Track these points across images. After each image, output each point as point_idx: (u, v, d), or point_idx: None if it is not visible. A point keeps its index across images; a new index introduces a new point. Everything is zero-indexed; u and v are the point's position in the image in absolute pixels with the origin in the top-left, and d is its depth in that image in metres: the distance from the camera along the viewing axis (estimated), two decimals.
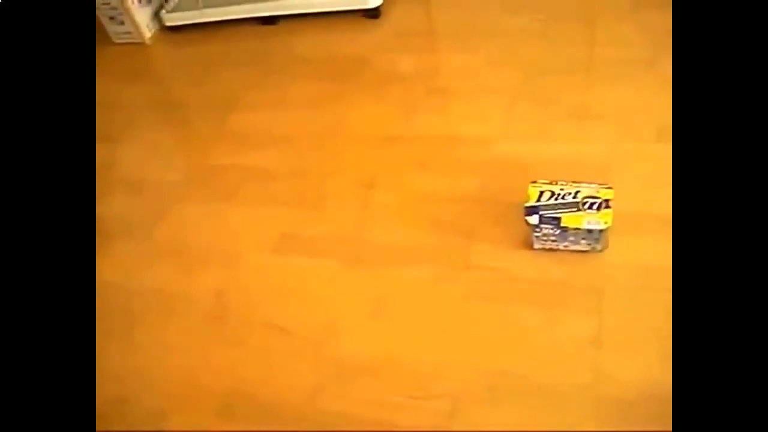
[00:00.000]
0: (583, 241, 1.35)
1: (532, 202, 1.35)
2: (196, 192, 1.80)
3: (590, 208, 1.32)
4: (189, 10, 2.44)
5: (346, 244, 1.54)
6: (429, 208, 1.56)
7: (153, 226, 1.72)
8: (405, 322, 1.35)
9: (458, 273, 1.41)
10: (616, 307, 1.27)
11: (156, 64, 2.47)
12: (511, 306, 1.32)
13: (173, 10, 2.48)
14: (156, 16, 2.53)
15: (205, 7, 2.41)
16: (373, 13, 2.23)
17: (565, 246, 1.37)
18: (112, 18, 2.46)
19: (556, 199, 1.35)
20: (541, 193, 1.36)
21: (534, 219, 1.34)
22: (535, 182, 1.39)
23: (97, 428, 0.99)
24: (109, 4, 2.40)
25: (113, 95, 2.24)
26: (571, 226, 1.32)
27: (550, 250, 1.39)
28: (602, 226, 1.30)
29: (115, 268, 1.63)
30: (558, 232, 1.34)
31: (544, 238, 1.36)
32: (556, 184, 1.38)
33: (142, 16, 2.48)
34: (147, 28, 2.50)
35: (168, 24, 2.50)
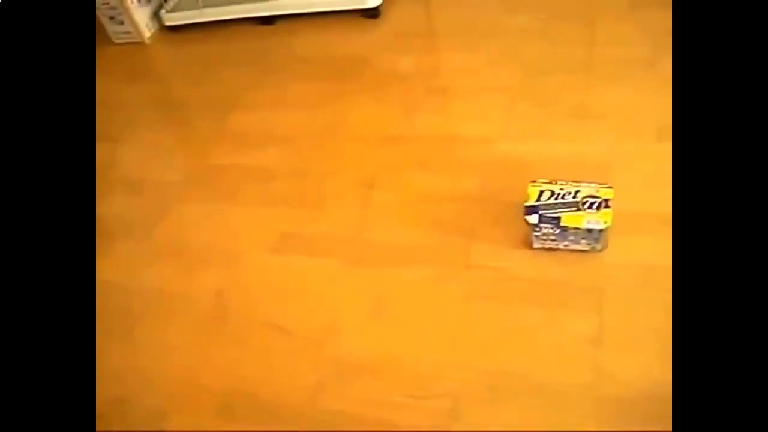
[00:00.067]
0: (582, 241, 1.35)
1: (531, 202, 1.35)
2: (196, 192, 1.80)
3: (590, 207, 1.32)
4: (188, 9, 2.44)
5: (346, 243, 1.54)
6: (429, 208, 1.56)
7: (153, 226, 1.72)
8: (405, 322, 1.35)
9: (458, 272, 1.41)
10: (616, 307, 1.27)
11: (155, 63, 2.47)
12: (511, 306, 1.32)
13: (173, 10, 2.48)
14: (155, 15, 2.53)
15: (205, 6, 2.41)
16: (372, 13, 2.23)
17: (565, 245, 1.37)
18: (111, 18, 2.46)
19: (555, 198, 1.35)
20: (541, 192, 1.37)
21: (534, 218, 1.34)
22: (534, 182, 1.39)
23: (97, 428, 0.99)
24: (108, 3, 2.40)
25: (113, 95, 2.24)
26: (571, 225, 1.32)
27: (550, 249, 1.39)
28: (602, 226, 1.30)
29: (115, 268, 1.63)
30: (558, 231, 1.34)
31: (544, 237, 1.37)
32: (556, 183, 1.38)
33: (142, 16, 2.48)
34: (146, 28, 2.51)
35: (167, 24, 2.50)
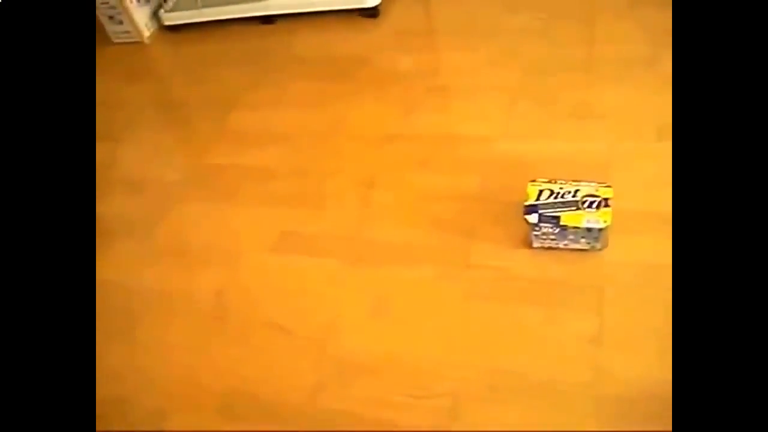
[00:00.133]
0: (582, 240, 1.35)
1: (531, 201, 1.35)
2: (196, 191, 1.80)
3: (590, 206, 1.32)
4: (187, 9, 2.44)
5: (346, 243, 1.54)
6: (429, 207, 1.56)
7: (153, 226, 1.72)
8: (405, 321, 1.35)
9: (458, 272, 1.41)
10: (616, 306, 1.27)
11: (155, 63, 2.47)
12: (511, 305, 1.32)
13: (172, 10, 2.48)
14: (154, 15, 2.53)
15: (204, 6, 2.41)
16: (371, 12, 2.23)
17: (565, 245, 1.37)
18: (111, 17, 2.46)
19: (555, 197, 1.35)
20: (541, 191, 1.37)
21: (533, 218, 1.34)
22: (534, 181, 1.39)
23: (97, 428, 0.99)
24: (107, 3, 2.40)
25: (113, 95, 2.24)
26: (571, 224, 1.32)
27: (550, 248, 1.39)
28: (601, 225, 1.30)
29: (115, 268, 1.63)
30: (557, 230, 1.34)
31: (544, 236, 1.37)
32: (556, 182, 1.38)
33: (141, 16, 2.48)
34: (145, 28, 2.51)
35: (166, 23, 2.50)
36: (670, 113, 1.45)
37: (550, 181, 1.38)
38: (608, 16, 1.98)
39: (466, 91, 1.88)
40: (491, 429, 1.16)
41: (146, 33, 2.51)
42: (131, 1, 2.42)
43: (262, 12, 2.35)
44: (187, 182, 1.84)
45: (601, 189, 1.34)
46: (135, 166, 1.96)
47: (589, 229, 1.32)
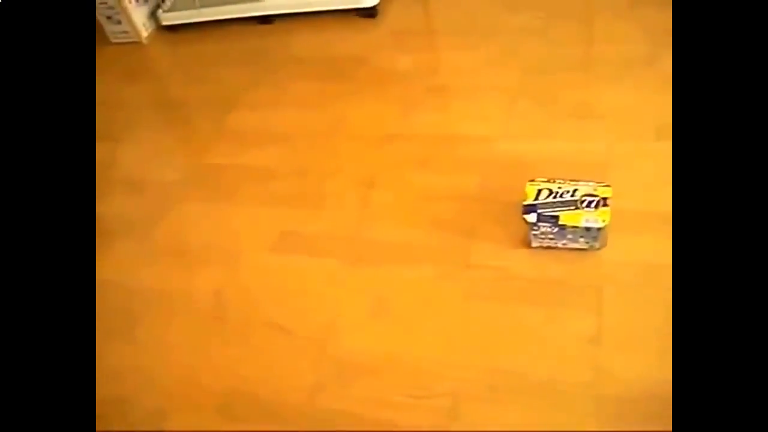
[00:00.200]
0: (581, 239, 1.35)
1: (529, 201, 1.36)
2: (196, 191, 1.80)
3: (588, 206, 1.32)
4: (185, 9, 2.44)
5: (346, 242, 1.54)
6: (429, 207, 1.56)
7: (153, 226, 1.72)
8: (405, 321, 1.35)
9: (458, 272, 1.41)
10: (615, 306, 1.27)
11: (153, 63, 2.47)
12: (511, 305, 1.32)
13: (170, 10, 2.48)
14: (153, 15, 2.53)
15: (202, 6, 2.40)
16: (369, 12, 2.23)
17: (564, 244, 1.37)
18: (109, 17, 2.46)
19: (554, 197, 1.35)
20: (539, 191, 1.37)
21: (532, 217, 1.34)
22: (533, 180, 1.39)
23: (97, 428, 0.99)
24: (106, 3, 2.40)
25: (112, 95, 2.24)
26: (569, 224, 1.32)
27: (549, 248, 1.39)
28: (600, 224, 1.30)
29: (115, 268, 1.63)
30: (556, 230, 1.34)
31: (542, 236, 1.37)
32: (554, 182, 1.38)
33: (139, 16, 2.48)
34: (144, 28, 2.51)
35: (164, 23, 2.50)
36: (669, 113, 1.45)
37: (548, 181, 1.38)
38: (608, 16, 1.98)
39: (466, 90, 1.88)
40: (491, 429, 1.16)
41: (144, 33, 2.50)
42: (129, 1, 2.42)
43: (260, 12, 2.35)
44: (186, 182, 1.84)
45: (599, 188, 1.35)
46: (135, 166, 1.96)
47: (587, 229, 1.32)
